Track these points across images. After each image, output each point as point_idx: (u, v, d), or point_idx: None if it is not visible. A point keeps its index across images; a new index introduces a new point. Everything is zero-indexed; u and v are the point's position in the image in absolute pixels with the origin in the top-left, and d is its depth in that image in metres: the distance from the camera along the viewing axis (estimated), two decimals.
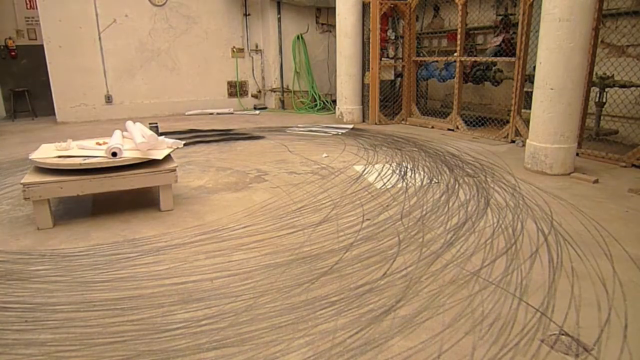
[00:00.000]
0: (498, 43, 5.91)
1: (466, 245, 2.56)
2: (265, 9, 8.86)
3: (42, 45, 7.44)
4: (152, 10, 8.08)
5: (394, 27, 6.94)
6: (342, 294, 2.05)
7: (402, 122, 7.06)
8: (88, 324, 1.84)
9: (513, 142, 5.35)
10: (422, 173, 4.05)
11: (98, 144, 3.42)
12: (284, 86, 9.17)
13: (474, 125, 6.09)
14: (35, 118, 8.31)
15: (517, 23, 5.05)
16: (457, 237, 2.67)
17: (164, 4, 8.15)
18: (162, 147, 3.37)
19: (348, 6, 6.72)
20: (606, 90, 4.69)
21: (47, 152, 3.20)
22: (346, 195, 3.51)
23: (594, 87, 4.68)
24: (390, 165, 4.35)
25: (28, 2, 8.22)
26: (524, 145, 4.55)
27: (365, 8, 6.77)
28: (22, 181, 2.85)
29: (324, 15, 9.13)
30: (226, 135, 6.15)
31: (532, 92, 4.14)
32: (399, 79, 7.21)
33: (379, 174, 4.06)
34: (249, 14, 8.93)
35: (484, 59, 5.85)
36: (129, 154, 3.13)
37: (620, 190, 3.53)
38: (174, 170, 3.19)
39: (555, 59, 3.80)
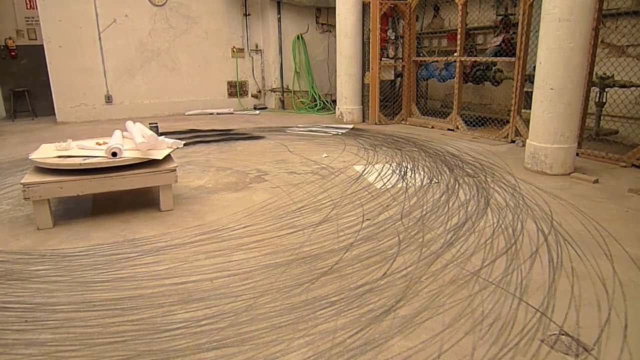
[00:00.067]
0: (498, 43, 5.91)
1: (466, 245, 2.56)
2: (265, 9, 8.86)
3: (42, 45, 7.44)
4: (152, 10, 8.08)
5: (394, 27, 6.94)
6: (342, 294, 2.05)
7: (402, 122, 7.06)
8: (88, 324, 1.84)
9: (513, 142, 5.35)
10: (422, 173, 4.05)
11: (98, 144, 3.42)
12: (284, 86, 9.17)
13: (474, 125, 6.09)
14: (35, 118, 8.31)
15: (517, 23, 5.05)
16: (457, 237, 2.67)
17: (164, 4, 8.15)
18: (162, 147, 3.37)
19: (348, 6, 6.72)
20: (606, 90, 4.69)
21: (47, 152, 3.20)
22: (346, 195, 3.51)
23: (594, 87, 4.68)
24: (390, 165, 4.35)
25: (28, 2, 8.22)
26: (524, 145, 4.55)
27: (365, 8, 6.77)
28: (22, 181, 2.85)
29: (324, 15, 9.13)
30: (226, 135, 6.15)
31: (532, 92, 4.14)
32: (399, 79, 7.21)
33: (379, 174, 4.06)
34: (249, 14, 8.93)
35: (484, 59, 5.85)
36: (129, 154, 3.13)
37: (620, 190, 3.53)
38: (174, 170, 3.19)
39: (555, 59, 3.80)
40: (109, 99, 8.04)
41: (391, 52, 6.95)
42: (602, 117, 4.92)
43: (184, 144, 3.83)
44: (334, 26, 7.49)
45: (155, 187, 3.26)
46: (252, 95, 9.40)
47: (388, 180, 3.86)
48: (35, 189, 2.84)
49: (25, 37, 8.32)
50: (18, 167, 4.51)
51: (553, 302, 1.96)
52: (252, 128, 6.79)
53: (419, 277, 2.21)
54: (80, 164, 2.97)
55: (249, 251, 2.54)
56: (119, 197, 3.54)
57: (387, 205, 3.25)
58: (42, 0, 7.23)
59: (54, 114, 7.73)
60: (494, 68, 6.25)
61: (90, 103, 7.90)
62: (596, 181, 3.73)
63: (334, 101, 7.79)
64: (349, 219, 3.00)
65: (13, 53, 8.28)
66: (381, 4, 6.47)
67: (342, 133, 6.18)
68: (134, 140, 3.32)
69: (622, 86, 4.60)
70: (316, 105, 8.96)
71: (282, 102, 9.21)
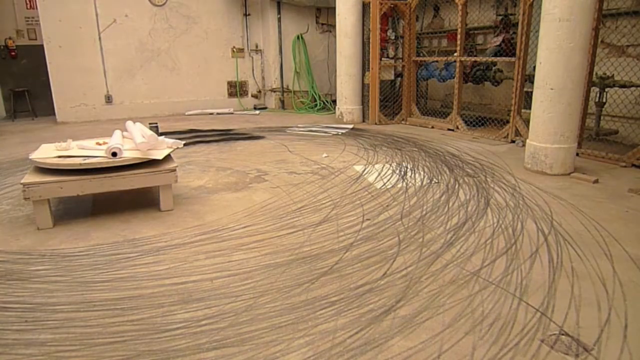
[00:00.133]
0: (498, 43, 5.91)
1: (466, 245, 2.56)
2: (265, 9, 8.86)
3: (42, 45, 7.44)
4: (152, 10, 8.08)
5: (394, 27, 6.94)
6: (342, 294, 2.05)
7: (402, 122, 7.06)
8: (88, 324, 1.84)
9: (513, 142, 5.35)
10: (422, 173, 4.05)
11: (98, 144, 3.42)
12: (284, 86, 9.17)
13: (474, 125, 6.09)
14: (35, 118, 8.31)
15: (517, 23, 5.05)
16: (457, 237, 2.67)
17: (164, 4, 8.15)
18: (162, 147, 3.37)
19: (348, 6, 6.72)
20: (606, 90, 4.69)
21: (47, 152, 3.20)
22: (346, 195, 3.51)
23: (594, 87, 4.68)
24: (390, 165, 4.35)
25: (28, 2, 8.22)
26: (524, 145, 4.55)
27: (365, 8, 6.77)
28: (22, 181, 2.85)
29: (324, 15, 9.13)
30: (226, 135, 6.15)
31: (532, 92, 4.14)
32: (399, 79, 7.21)
33: (379, 174, 4.06)
34: (249, 14, 8.93)
35: (484, 59, 5.85)
36: (129, 154, 3.13)
37: (620, 190, 3.53)
38: (174, 170, 3.19)
39: (555, 59, 3.80)
40: (109, 99, 8.04)
41: (391, 52, 6.95)
42: (602, 117, 4.92)
43: (184, 144, 3.83)
44: (334, 26, 7.49)
45: (155, 187, 3.26)
46: (252, 95, 9.40)
47: (388, 180, 3.86)
48: (35, 189, 2.84)
49: (25, 37, 8.32)
50: (18, 167, 4.51)
51: (553, 302, 1.96)
52: (252, 128, 6.79)
53: (419, 277, 2.21)
54: (80, 164, 2.97)
55: (249, 251, 2.54)
56: (119, 197, 3.54)
57: (387, 205, 3.25)
58: (42, 0, 7.23)
59: (54, 114, 7.73)
60: (494, 68, 6.25)
61: (90, 103, 7.90)
62: (596, 181, 3.73)
63: (334, 101, 7.79)
64: (349, 219, 3.00)
65: (13, 53, 8.28)
66: (381, 4, 6.47)
67: (342, 133, 6.18)
68: (134, 140, 3.32)
69: (622, 86, 4.60)
70: (316, 105, 8.96)
71: (282, 102, 9.21)
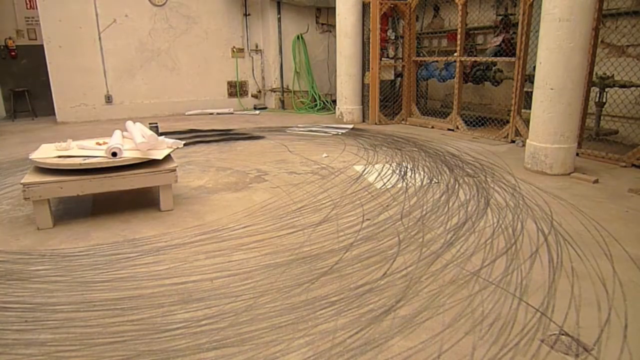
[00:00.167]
0: (498, 43, 5.91)
1: (466, 245, 2.56)
2: (265, 9, 8.86)
3: (42, 45, 7.44)
4: (152, 10, 8.08)
5: (394, 27, 6.94)
6: (342, 294, 2.05)
7: (402, 122, 7.06)
8: (88, 324, 1.84)
9: (513, 142, 5.35)
10: (422, 173, 4.05)
11: (98, 144, 3.42)
12: (284, 86, 9.17)
13: (474, 125, 6.09)
14: (35, 118, 8.31)
15: (517, 23, 5.05)
16: (457, 237, 2.67)
17: (164, 4, 8.15)
18: (162, 147, 3.37)
19: (348, 6, 6.72)
20: (606, 90, 4.69)
21: (47, 152, 3.20)
22: (346, 195, 3.51)
23: (594, 87, 4.68)
24: (390, 165, 4.35)
25: (28, 2, 8.22)
26: (524, 145, 4.55)
27: (365, 8, 6.77)
28: (22, 181, 2.85)
29: (324, 15, 9.13)
30: (226, 135, 6.15)
31: (532, 92, 4.14)
32: (399, 79, 7.21)
33: (379, 174, 4.06)
34: (249, 14, 8.93)
35: (484, 59, 5.85)
36: (129, 154, 3.13)
37: (620, 190, 3.53)
38: (174, 170, 3.19)
39: (555, 59, 3.80)
40: (109, 99, 8.04)
41: (391, 52, 6.95)
42: (602, 117, 4.93)
43: (184, 144, 3.83)
44: (334, 26, 7.49)
45: (155, 187, 3.26)
46: (252, 95, 9.40)
47: (388, 180, 3.86)
48: (35, 189, 2.84)
49: (25, 37, 8.32)
50: (18, 167, 4.51)
51: (553, 302, 1.96)
52: (252, 128, 6.79)
53: (419, 277, 2.21)
54: (80, 164, 2.97)
55: (249, 251, 2.54)
56: (119, 197, 3.54)
57: (387, 205, 3.25)
58: (42, 0, 7.23)
59: (54, 114, 7.73)
60: (494, 68, 6.25)
61: (90, 103, 7.91)
62: (596, 181, 3.73)
63: (334, 101, 7.79)
64: (349, 219, 3.00)
65: (13, 53, 8.28)
66: (381, 4, 6.47)
67: (342, 133, 6.18)
68: (134, 140, 3.32)
69: (622, 86, 4.60)
70: (316, 105, 8.96)
71: (282, 102, 9.21)
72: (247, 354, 1.64)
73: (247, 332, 1.77)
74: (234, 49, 8.98)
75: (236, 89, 9.17)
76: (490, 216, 2.99)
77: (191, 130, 6.58)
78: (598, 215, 3.00)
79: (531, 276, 2.19)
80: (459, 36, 5.83)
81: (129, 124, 3.77)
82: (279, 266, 2.34)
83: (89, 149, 3.26)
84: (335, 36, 7.38)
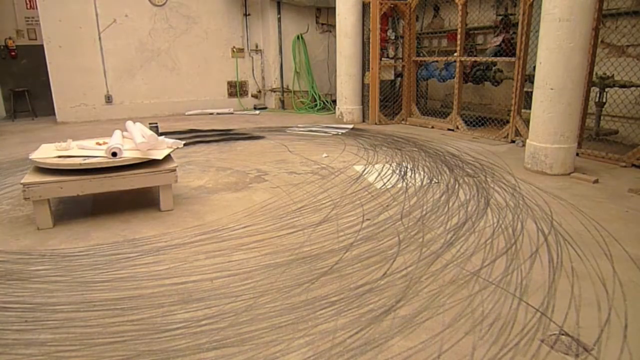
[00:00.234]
0: (498, 43, 5.91)
1: (466, 245, 2.56)
2: (265, 9, 8.86)
3: (42, 45, 7.44)
4: (152, 10, 8.08)
5: (394, 27, 6.94)
6: (342, 294, 2.05)
7: (402, 122, 7.06)
8: (88, 324, 1.84)
9: (513, 142, 5.35)
10: (422, 173, 4.05)
11: (98, 144, 3.42)
12: (284, 86, 9.17)
13: (474, 125, 6.09)
14: (35, 118, 8.31)
15: (517, 23, 5.05)
16: (457, 237, 2.67)
17: (164, 4, 8.15)
18: (162, 147, 3.37)
19: (348, 6, 6.72)
20: (606, 90, 4.69)
21: (47, 152, 3.20)
22: (346, 195, 3.51)
23: (594, 87, 4.68)
24: (390, 165, 4.35)
25: (28, 2, 8.22)
26: (524, 145, 4.55)
27: (365, 8, 6.77)
28: (22, 181, 2.85)
29: (324, 15, 9.13)
30: (226, 135, 6.15)
31: (532, 92, 4.14)
32: (399, 79, 7.21)
33: (379, 174, 4.06)
34: (249, 14, 8.93)
35: (484, 59, 5.85)
36: (129, 154, 3.13)
37: (620, 190, 3.53)
38: (174, 170, 3.19)
39: (555, 59, 3.80)
40: (109, 99, 8.04)
41: (391, 52, 6.95)
42: (602, 117, 4.93)
43: (184, 144, 3.83)
44: (334, 26, 7.49)
45: (155, 187, 3.26)
46: (252, 95, 9.40)
47: (388, 180, 3.86)
48: (35, 189, 2.84)
49: (25, 37, 8.32)
50: (18, 167, 4.51)
51: (553, 302, 1.96)
52: (252, 128, 6.79)
53: (419, 277, 2.21)
54: (80, 164, 2.97)
55: (249, 251, 2.54)
56: (119, 197, 3.53)
57: (387, 205, 3.25)
58: (42, 0, 7.23)
59: (54, 114, 7.73)
60: (494, 68, 6.25)
61: (90, 103, 7.91)
62: (596, 181, 3.73)
63: (334, 101, 7.79)
64: (349, 219, 3.00)
65: (13, 53, 8.28)
66: (381, 4, 6.47)
67: (342, 133, 6.18)
68: (134, 140, 3.32)
69: (622, 86, 4.60)
70: (316, 105, 8.96)
71: (282, 102, 9.21)
72: (247, 354, 1.64)
73: (247, 332, 1.77)
74: (234, 49, 8.98)
75: (236, 89, 9.18)
76: (490, 216, 2.99)
77: (191, 130, 6.58)
78: (598, 215, 3.00)
79: (531, 276, 2.19)
80: (459, 36, 5.83)
81: (129, 124, 3.77)
82: (279, 266, 2.34)
83: (89, 149, 3.26)
84: (335, 36, 7.38)
